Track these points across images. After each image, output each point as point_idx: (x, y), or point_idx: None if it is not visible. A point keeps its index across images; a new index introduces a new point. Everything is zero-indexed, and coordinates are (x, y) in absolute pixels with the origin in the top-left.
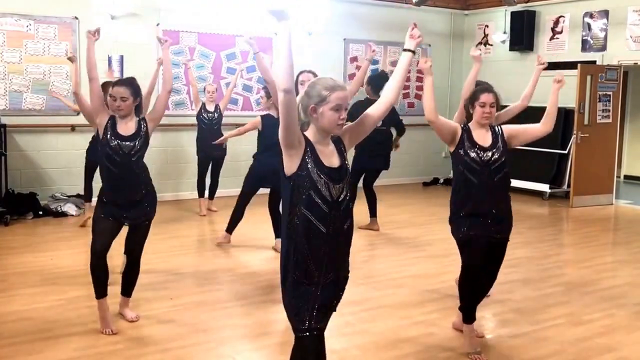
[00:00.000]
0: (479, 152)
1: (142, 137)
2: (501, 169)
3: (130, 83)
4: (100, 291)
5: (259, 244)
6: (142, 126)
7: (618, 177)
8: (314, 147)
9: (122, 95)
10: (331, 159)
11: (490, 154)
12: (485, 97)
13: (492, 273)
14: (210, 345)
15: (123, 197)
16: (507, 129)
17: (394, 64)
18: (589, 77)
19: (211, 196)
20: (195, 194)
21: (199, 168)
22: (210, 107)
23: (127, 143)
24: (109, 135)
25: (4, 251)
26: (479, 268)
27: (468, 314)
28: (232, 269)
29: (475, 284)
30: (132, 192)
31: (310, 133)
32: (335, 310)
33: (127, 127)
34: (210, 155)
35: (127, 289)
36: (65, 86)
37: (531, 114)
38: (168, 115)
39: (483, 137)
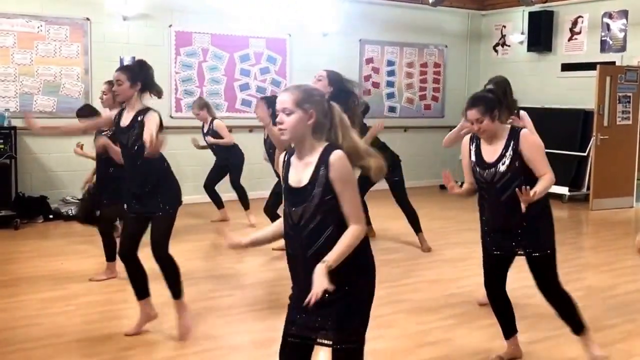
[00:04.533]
0: (484, 167)
1: (135, 128)
2: (508, 186)
3: (128, 68)
4: (136, 292)
5: (271, 250)
6: (139, 118)
7: (638, 179)
8: (290, 160)
9: (117, 79)
10: (299, 176)
11: (492, 171)
12: (469, 115)
13: (539, 288)
14: (223, 352)
15: (130, 186)
16: (526, 146)
17: (409, 65)
18: (608, 78)
19: (246, 206)
20: (208, 197)
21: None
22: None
23: (122, 135)
24: (114, 126)
25: (14, 255)
26: (493, 281)
27: (502, 329)
28: (245, 274)
29: (490, 297)
30: (135, 184)
31: None
32: (312, 339)
33: (124, 119)
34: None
35: (170, 290)
36: (76, 88)
37: (545, 115)
38: (180, 118)
39: (491, 149)
